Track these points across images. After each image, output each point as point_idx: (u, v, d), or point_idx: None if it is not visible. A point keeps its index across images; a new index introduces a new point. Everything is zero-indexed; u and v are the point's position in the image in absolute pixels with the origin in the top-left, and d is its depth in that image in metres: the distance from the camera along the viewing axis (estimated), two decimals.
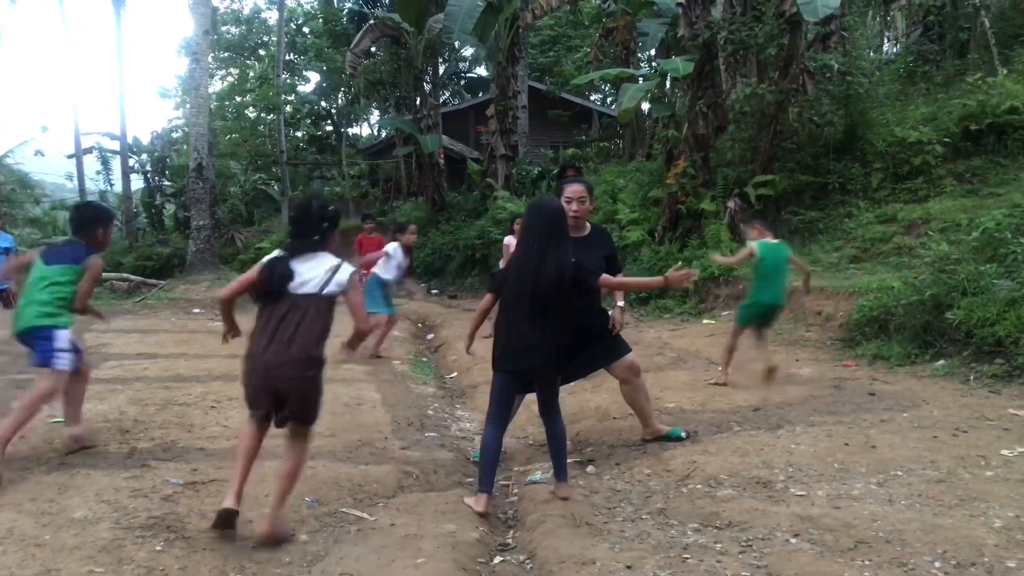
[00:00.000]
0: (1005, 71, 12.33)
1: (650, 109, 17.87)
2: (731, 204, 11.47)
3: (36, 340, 4.59)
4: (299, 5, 34.82)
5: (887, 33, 21.97)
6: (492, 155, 18.09)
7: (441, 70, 26.84)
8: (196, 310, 13.68)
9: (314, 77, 34.42)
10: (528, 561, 3.61)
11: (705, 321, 9.37)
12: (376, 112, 34.24)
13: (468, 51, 32.13)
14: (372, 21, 20.14)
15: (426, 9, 18.30)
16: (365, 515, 4.00)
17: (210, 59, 25.76)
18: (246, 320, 3.73)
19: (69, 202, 28.08)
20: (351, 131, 35.10)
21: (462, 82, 34.91)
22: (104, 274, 18.07)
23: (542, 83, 25.92)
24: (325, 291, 3.58)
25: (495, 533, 3.99)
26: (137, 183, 26.16)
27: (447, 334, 10.49)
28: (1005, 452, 4.38)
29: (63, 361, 4.58)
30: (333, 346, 3.71)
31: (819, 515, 3.66)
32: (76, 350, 4.70)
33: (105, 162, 27.04)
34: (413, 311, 13.44)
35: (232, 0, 35.21)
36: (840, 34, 12.86)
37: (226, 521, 3.55)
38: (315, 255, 3.65)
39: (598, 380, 5.91)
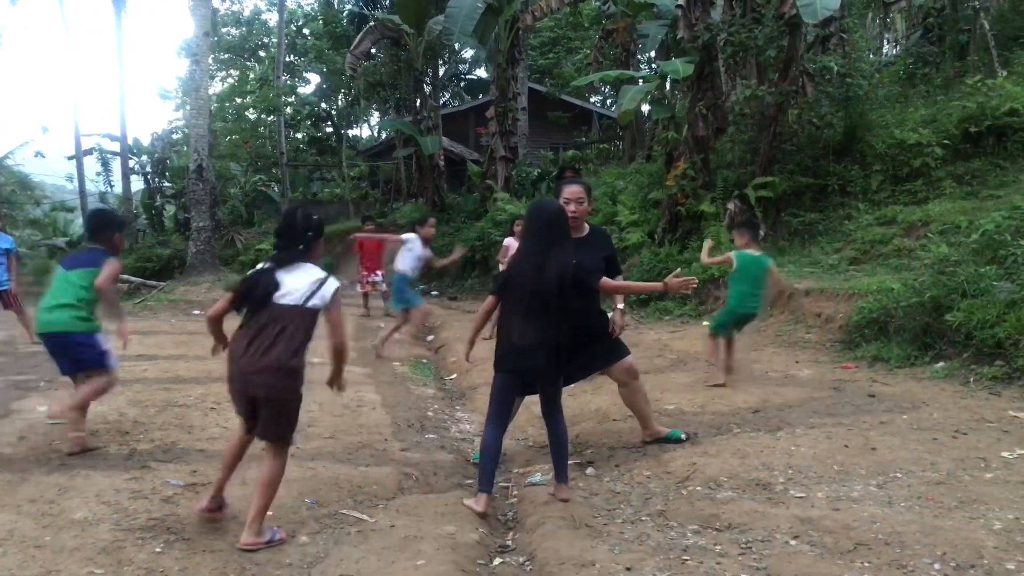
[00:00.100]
0: (1005, 73, 12.33)
1: (650, 111, 17.90)
2: (731, 206, 11.47)
3: (79, 347, 4.82)
4: (299, 7, 34.91)
5: (887, 35, 21.99)
6: (492, 157, 18.10)
7: (441, 72, 26.86)
8: (196, 312, 13.68)
9: (314, 79, 34.52)
10: (528, 563, 3.61)
11: (705, 323, 9.33)
12: (376, 114, 34.29)
13: (468, 53, 32.17)
14: (372, 23, 20.16)
15: (426, 11, 18.32)
16: (365, 517, 4.00)
17: (210, 61, 25.80)
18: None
19: (69, 203, 28.14)
20: (351, 133, 35.16)
21: (462, 84, 34.93)
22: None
23: (542, 85, 25.95)
24: (308, 304, 3.57)
25: (495, 535, 3.99)
26: (137, 184, 26.20)
27: (447, 335, 10.49)
28: (1005, 454, 4.38)
29: (113, 360, 4.97)
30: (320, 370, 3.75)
31: (819, 517, 3.66)
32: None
33: (105, 163, 27.06)
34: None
35: (232, 2, 35.33)
36: (840, 36, 12.88)
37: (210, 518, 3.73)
38: (299, 266, 3.64)
39: (598, 382, 5.91)
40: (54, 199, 29.76)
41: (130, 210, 24.40)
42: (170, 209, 26.89)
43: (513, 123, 18.10)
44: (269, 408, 3.57)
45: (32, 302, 12.53)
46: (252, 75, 34.62)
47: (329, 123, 33.60)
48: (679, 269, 4.56)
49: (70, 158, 25.14)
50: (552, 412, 4.22)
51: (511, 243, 9.45)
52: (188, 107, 24.16)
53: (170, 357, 8.21)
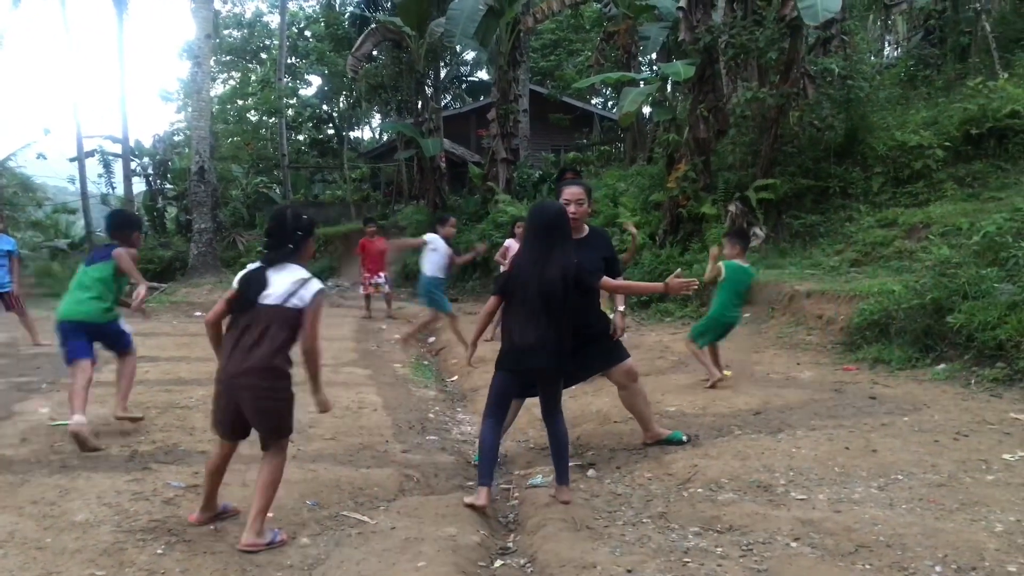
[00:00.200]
0: (1006, 75, 12.32)
1: (651, 113, 17.92)
2: (732, 208, 11.47)
3: (112, 335, 5.46)
4: (301, 9, 34.94)
5: (888, 37, 22.00)
6: (493, 159, 18.09)
7: (442, 74, 26.91)
8: (197, 313, 13.68)
9: (316, 81, 34.55)
10: (528, 565, 3.61)
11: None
12: (377, 116, 34.26)
13: (469, 55, 32.17)
14: (374, 25, 20.16)
15: (427, 13, 18.31)
16: (366, 518, 4.00)
17: (212, 63, 25.80)
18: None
19: (71, 205, 28.15)
20: (352, 134, 35.17)
21: (463, 86, 34.95)
22: None
23: (543, 87, 25.96)
24: (288, 303, 3.56)
25: (496, 537, 3.99)
26: (139, 186, 26.21)
27: (448, 337, 10.49)
28: (1006, 456, 4.38)
29: (134, 342, 5.64)
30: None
31: (820, 519, 3.66)
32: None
33: (107, 165, 27.07)
34: (413, 314, 13.45)
35: (234, 4, 35.33)
36: (841, 38, 12.88)
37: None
38: (287, 266, 3.64)
39: (599, 384, 5.91)
40: (56, 201, 29.75)
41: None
42: (172, 211, 26.92)
43: (514, 125, 18.09)
44: (257, 410, 3.56)
45: (34, 304, 12.56)
46: (254, 77, 34.65)
47: (330, 125, 33.62)
48: (679, 270, 4.57)
49: (72, 160, 25.16)
50: (552, 414, 4.23)
51: (511, 244, 9.45)
52: (190, 109, 24.22)
53: (172, 359, 8.22)
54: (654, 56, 20.22)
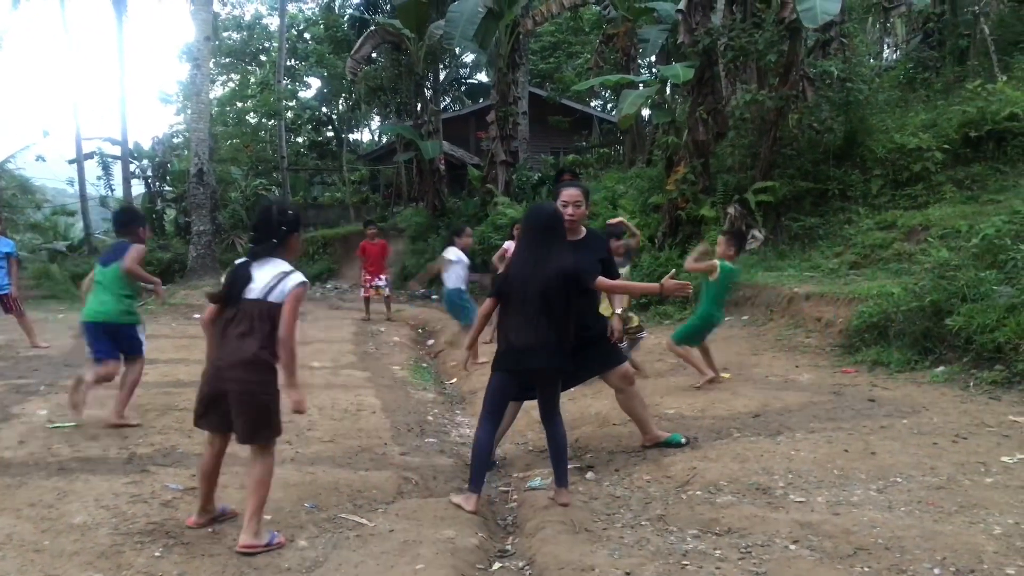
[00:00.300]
0: (1005, 78, 12.33)
1: (650, 115, 17.91)
2: (731, 210, 11.47)
3: (127, 338, 5.64)
4: (300, 11, 34.95)
5: (887, 40, 22.01)
6: (492, 161, 18.10)
7: (442, 76, 26.89)
8: (196, 316, 13.67)
9: (315, 83, 34.57)
10: (527, 567, 3.60)
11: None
12: (377, 118, 34.29)
13: (469, 57, 32.19)
14: (373, 27, 20.19)
15: (427, 15, 18.32)
16: (364, 521, 4.00)
17: (211, 65, 25.83)
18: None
19: (70, 207, 28.11)
20: (352, 137, 35.20)
21: (463, 88, 34.98)
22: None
23: (543, 89, 25.98)
24: (270, 297, 3.56)
25: (494, 539, 3.99)
26: (138, 188, 26.20)
27: (447, 339, 10.49)
28: (1005, 459, 4.38)
29: (145, 348, 5.82)
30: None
31: (818, 521, 3.66)
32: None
33: (106, 167, 27.07)
34: (413, 316, 13.47)
35: (234, 6, 35.35)
36: (840, 41, 12.87)
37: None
38: (271, 260, 3.65)
39: (598, 386, 5.91)
40: (55, 203, 29.69)
41: None
42: (171, 213, 26.90)
43: (514, 127, 18.10)
44: (241, 404, 3.55)
45: (32, 306, 12.54)
46: (253, 79, 34.64)
47: (330, 127, 33.63)
48: (674, 270, 4.58)
49: (71, 162, 25.15)
50: (550, 416, 4.23)
51: (510, 246, 9.45)
52: (189, 111, 24.17)
53: (170, 361, 8.22)
54: (653, 59, 20.23)
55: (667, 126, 13.45)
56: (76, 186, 25.48)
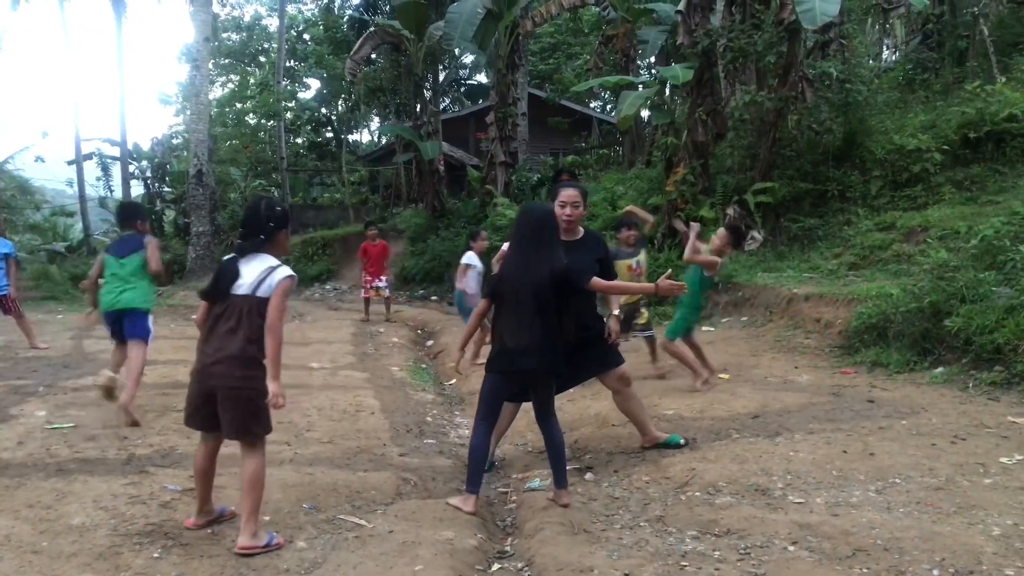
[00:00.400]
0: (1004, 79, 12.35)
1: (650, 116, 17.91)
2: (730, 211, 11.48)
3: (136, 320, 6.02)
4: (300, 12, 34.94)
5: (886, 41, 22.04)
6: (492, 162, 18.09)
7: (441, 77, 26.88)
8: (195, 316, 13.68)
9: (314, 84, 34.54)
10: (526, 568, 3.60)
11: (705, 328, 9.36)
12: (376, 119, 34.28)
13: (468, 58, 32.21)
14: (372, 28, 20.18)
15: (426, 16, 18.32)
16: (363, 522, 4.00)
17: (210, 66, 25.85)
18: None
19: (69, 208, 28.09)
20: (351, 137, 35.16)
21: (462, 89, 34.98)
22: (103, 280, 18.13)
23: (542, 90, 25.96)
24: (258, 292, 3.56)
25: (493, 540, 3.99)
26: (137, 189, 26.16)
27: (446, 341, 10.49)
28: (1004, 460, 4.38)
29: (152, 337, 6.23)
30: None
31: (817, 523, 3.66)
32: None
33: (105, 168, 27.05)
34: (412, 317, 13.47)
35: (233, 7, 35.35)
36: (839, 42, 12.89)
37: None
38: (258, 255, 3.65)
39: (597, 387, 5.91)
40: (54, 204, 29.67)
41: None
42: (170, 214, 26.89)
43: (513, 128, 18.09)
44: (228, 400, 3.55)
45: (31, 307, 12.54)
46: (252, 80, 34.62)
47: (329, 128, 33.61)
48: (670, 271, 4.58)
49: (70, 163, 25.12)
50: (546, 418, 4.22)
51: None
52: (188, 112, 24.16)
53: (169, 362, 8.21)
54: (653, 60, 20.25)
55: (666, 127, 13.44)
56: (75, 187, 25.47)
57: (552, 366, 4.12)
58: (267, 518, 3.91)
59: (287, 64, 30.62)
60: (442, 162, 19.71)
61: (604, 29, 19.61)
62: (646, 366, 7.47)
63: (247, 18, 36.11)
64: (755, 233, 11.30)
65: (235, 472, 4.14)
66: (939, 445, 4.66)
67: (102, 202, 27.30)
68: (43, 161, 26.13)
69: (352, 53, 19.59)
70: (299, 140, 33.04)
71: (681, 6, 11.52)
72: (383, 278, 12.91)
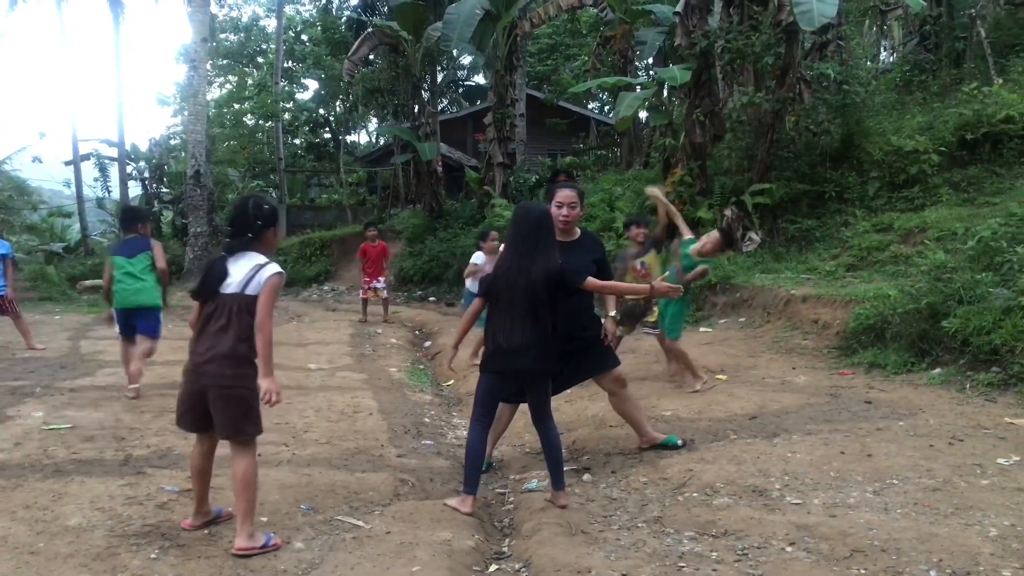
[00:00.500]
0: (1001, 81, 12.37)
1: (647, 117, 17.91)
2: (728, 212, 11.48)
3: (148, 316, 6.74)
4: (298, 13, 34.93)
5: (884, 42, 22.07)
6: (490, 163, 18.10)
7: (439, 78, 26.88)
8: (189, 317, 13.66)
9: (312, 85, 34.55)
10: (523, 570, 3.60)
11: (702, 329, 9.37)
12: (374, 120, 34.30)
13: (466, 59, 32.24)
14: (370, 29, 20.18)
15: (424, 17, 18.33)
16: (361, 523, 3.99)
17: (208, 66, 25.78)
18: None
19: (66, 209, 28.07)
20: (349, 138, 35.17)
21: (460, 90, 34.98)
22: (99, 281, 18.08)
23: (540, 91, 25.98)
24: (246, 290, 3.56)
25: (491, 541, 3.99)
26: (135, 190, 26.13)
27: (444, 342, 10.48)
28: (1001, 461, 4.38)
29: (161, 332, 6.91)
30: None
31: (815, 523, 3.66)
32: None
33: (103, 169, 27.01)
34: (410, 318, 13.46)
35: (231, 8, 35.33)
36: (837, 43, 12.91)
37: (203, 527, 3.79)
38: (246, 254, 3.65)
39: (595, 388, 5.90)
40: (51, 204, 29.64)
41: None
42: (168, 215, 26.85)
43: (511, 129, 18.10)
44: (219, 399, 3.54)
45: (29, 308, 12.51)
46: (250, 81, 34.63)
47: (327, 129, 33.61)
48: (667, 272, 4.58)
49: (68, 163, 25.09)
50: (542, 419, 4.22)
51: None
52: (186, 113, 24.09)
53: (167, 363, 8.19)
54: (650, 61, 20.23)
55: (664, 128, 13.46)
56: (73, 188, 25.42)
57: (546, 366, 4.11)
58: (264, 519, 3.91)
59: (285, 65, 30.62)
60: (440, 163, 19.71)
61: (602, 30, 19.63)
62: (645, 367, 7.48)
63: (245, 19, 36.15)
64: (753, 234, 11.31)
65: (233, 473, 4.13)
66: (936, 446, 4.66)
67: (99, 203, 27.27)
68: (40, 162, 26.14)
69: (350, 54, 19.59)
70: (297, 141, 33.04)
71: (679, 7, 11.53)
72: (381, 279, 12.91)
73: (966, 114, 11.07)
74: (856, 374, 6.84)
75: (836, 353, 7.49)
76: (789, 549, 3.45)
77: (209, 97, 27.21)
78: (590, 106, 29.96)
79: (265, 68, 34.01)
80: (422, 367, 9.43)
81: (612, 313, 5.02)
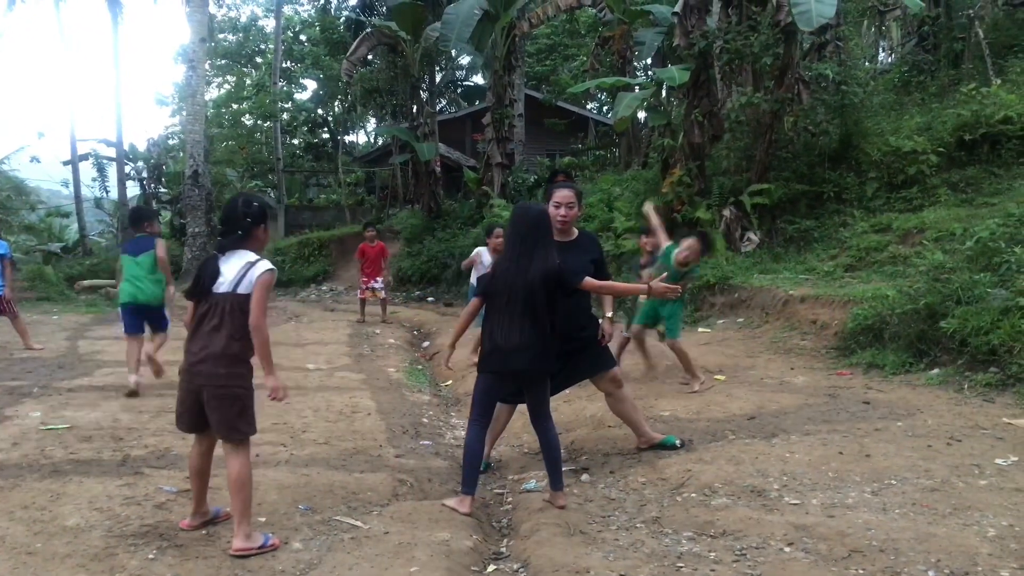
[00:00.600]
0: (999, 81, 12.38)
1: (646, 118, 17.91)
2: (726, 213, 11.49)
3: (155, 315, 7.02)
4: (296, 13, 34.92)
5: (882, 43, 22.08)
6: (488, 163, 18.10)
7: (438, 78, 26.91)
8: (185, 318, 13.63)
9: (311, 85, 34.56)
10: (522, 570, 3.60)
11: (701, 329, 9.38)
12: (373, 120, 34.30)
13: (465, 59, 32.25)
14: (369, 29, 20.17)
15: (423, 17, 18.32)
16: (359, 523, 3.99)
17: (207, 66, 25.76)
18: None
19: (65, 209, 28.04)
20: (348, 139, 35.14)
21: (459, 90, 34.99)
22: (98, 281, 18.17)
23: (539, 92, 25.98)
24: (238, 289, 3.56)
25: (489, 542, 3.99)
26: (133, 190, 26.12)
27: (443, 342, 10.47)
28: (999, 461, 4.38)
29: (169, 324, 7.18)
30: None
31: (813, 524, 3.66)
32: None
33: (101, 169, 26.98)
34: (408, 319, 13.45)
35: (229, 8, 35.32)
36: (835, 44, 12.92)
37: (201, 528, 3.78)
38: (237, 252, 3.64)
39: (593, 388, 5.91)
40: (50, 204, 29.62)
41: (126, 216, 24.34)
42: (166, 215, 26.81)
43: (509, 129, 18.10)
44: (214, 398, 3.54)
45: (26, 308, 12.49)
46: (249, 81, 34.60)
47: (325, 129, 33.60)
48: (665, 273, 4.58)
49: (66, 163, 25.08)
50: (540, 419, 4.21)
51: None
52: (184, 113, 24.12)
53: (165, 363, 8.15)
54: (649, 61, 20.23)
55: (663, 129, 13.45)
56: (71, 188, 25.41)
57: (544, 366, 4.11)
58: (262, 519, 3.91)
59: (283, 65, 30.61)
60: (438, 163, 19.70)
61: (601, 31, 19.61)
62: (641, 367, 7.47)
63: (243, 19, 36.16)
64: (751, 235, 11.32)
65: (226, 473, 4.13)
66: (935, 446, 4.66)
67: (98, 203, 27.26)
68: (39, 162, 26.11)
69: (348, 54, 19.58)
70: (295, 141, 33.03)
71: (678, 8, 11.53)
72: (379, 279, 12.91)
73: (964, 115, 11.08)
74: (854, 374, 6.84)
75: (834, 353, 7.49)
76: (787, 549, 3.45)
77: (207, 97, 27.20)
78: (588, 106, 29.97)
79: (263, 68, 33.99)
80: (420, 367, 9.42)
81: (609, 314, 5.02)
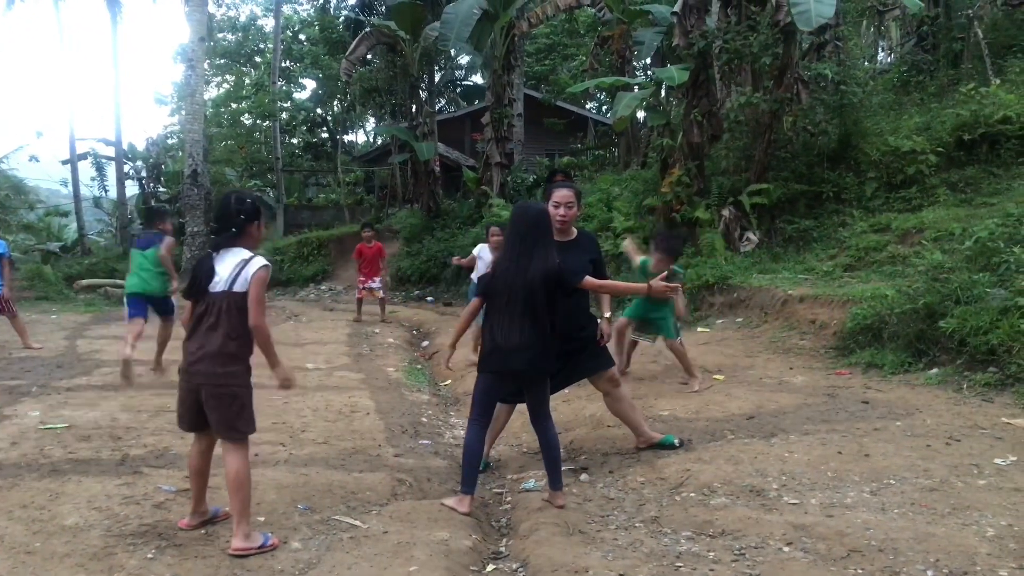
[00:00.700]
0: (998, 81, 12.38)
1: (645, 118, 17.90)
2: (726, 212, 11.49)
3: (163, 302, 7.70)
4: (295, 13, 34.89)
5: (881, 43, 22.08)
6: (487, 163, 18.10)
7: (437, 78, 26.90)
8: (183, 317, 13.62)
9: (310, 84, 34.50)
10: (521, 569, 3.60)
11: (700, 329, 9.38)
12: (372, 119, 34.27)
13: (464, 59, 32.21)
14: (368, 29, 20.16)
15: (422, 17, 18.31)
16: (358, 523, 3.99)
17: (206, 66, 25.70)
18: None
19: (64, 208, 28.00)
20: (347, 138, 35.12)
21: (458, 90, 34.97)
22: (97, 280, 18.17)
23: (538, 91, 25.97)
24: (234, 287, 3.55)
25: (488, 541, 3.99)
26: (132, 189, 26.06)
27: (442, 341, 10.48)
28: (998, 461, 4.39)
29: (175, 312, 7.64)
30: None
31: (812, 523, 3.66)
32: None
33: (100, 168, 26.93)
34: (407, 318, 13.45)
35: (229, 7, 35.29)
36: (834, 44, 12.91)
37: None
38: (231, 250, 3.64)
39: (592, 388, 5.91)
40: (48, 204, 29.57)
41: (124, 215, 24.36)
42: None
43: (509, 129, 18.10)
44: (212, 397, 3.54)
45: (25, 307, 12.48)
46: (248, 80, 34.54)
47: (325, 128, 33.57)
48: (664, 272, 4.59)
49: (65, 163, 25.03)
50: (540, 418, 4.22)
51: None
52: (183, 112, 24.06)
53: (165, 362, 8.18)
54: (648, 61, 20.22)
55: (662, 128, 13.45)
56: (70, 187, 25.37)
57: (544, 366, 4.11)
58: (261, 519, 3.91)
59: (283, 64, 30.56)
60: (438, 163, 19.69)
61: (600, 30, 19.62)
62: (641, 367, 7.48)
63: (243, 18, 36.08)
64: (750, 234, 11.32)
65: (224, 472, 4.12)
66: (934, 446, 4.67)
67: (96, 202, 27.21)
68: (38, 161, 26.05)
69: (348, 54, 19.56)
70: (294, 141, 32.99)
71: (677, 7, 11.53)
72: (377, 279, 12.91)
73: (963, 115, 11.08)
74: (853, 374, 6.84)
75: (833, 353, 7.49)
76: (786, 549, 3.45)
77: (207, 96, 27.14)
78: (588, 106, 29.94)
79: (263, 67, 33.93)
80: (419, 367, 9.42)
81: (607, 314, 5.02)
